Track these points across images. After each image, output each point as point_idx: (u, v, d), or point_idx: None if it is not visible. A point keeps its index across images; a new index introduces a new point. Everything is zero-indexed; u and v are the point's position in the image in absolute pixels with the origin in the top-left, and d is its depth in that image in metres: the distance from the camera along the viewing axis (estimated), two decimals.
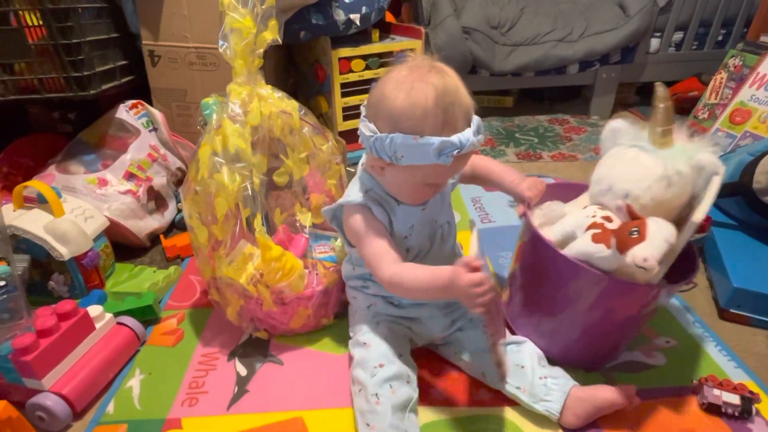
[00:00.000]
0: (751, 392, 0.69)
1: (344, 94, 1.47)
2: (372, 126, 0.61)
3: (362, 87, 1.47)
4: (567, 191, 0.81)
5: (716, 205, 0.98)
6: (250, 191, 0.76)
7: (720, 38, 1.89)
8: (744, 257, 0.92)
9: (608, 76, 1.87)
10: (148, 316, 0.88)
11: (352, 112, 1.49)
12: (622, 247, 0.59)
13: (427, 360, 0.77)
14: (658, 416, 0.69)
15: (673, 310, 0.90)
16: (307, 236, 0.89)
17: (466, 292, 0.56)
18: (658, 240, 0.59)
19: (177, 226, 1.20)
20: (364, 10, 1.39)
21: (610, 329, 0.72)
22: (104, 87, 1.13)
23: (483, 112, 1.98)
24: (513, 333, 0.78)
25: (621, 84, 1.91)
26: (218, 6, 0.75)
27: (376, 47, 1.48)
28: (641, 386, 0.69)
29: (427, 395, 0.72)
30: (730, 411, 0.68)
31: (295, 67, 1.76)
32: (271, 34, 0.78)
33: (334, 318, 0.87)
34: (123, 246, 1.09)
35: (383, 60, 1.48)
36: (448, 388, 0.74)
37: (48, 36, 1.01)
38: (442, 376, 0.76)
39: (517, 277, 0.80)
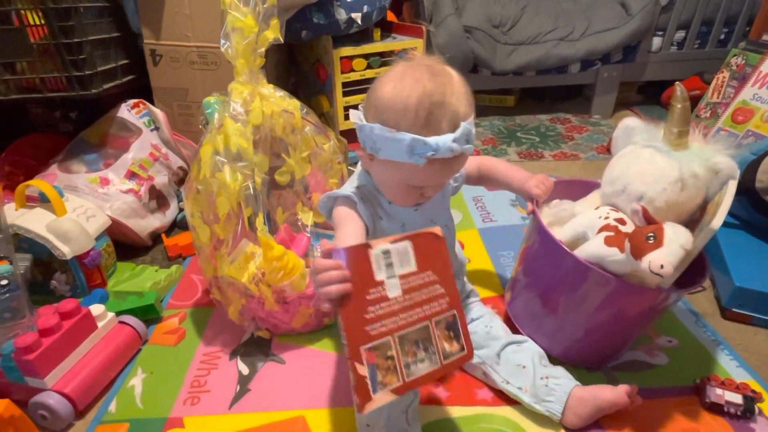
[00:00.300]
0: (753, 391, 0.69)
1: (346, 93, 1.47)
2: (361, 114, 0.60)
3: (363, 86, 1.47)
4: (574, 188, 0.80)
5: None
6: (251, 190, 0.76)
7: (722, 37, 1.88)
8: (746, 256, 0.92)
9: (610, 75, 1.86)
10: (149, 315, 0.88)
11: None
12: (638, 253, 0.58)
13: None
14: (660, 416, 0.69)
15: (676, 310, 0.90)
16: (309, 235, 0.90)
17: (312, 279, 0.48)
18: (674, 246, 0.58)
19: (179, 225, 1.20)
20: (365, 9, 1.39)
21: (616, 331, 0.72)
22: (106, 86, 1.14)
23: (484, 112, 2.00)
24: (515, 332, 0.77)
25: (622, 83, 1.91)
26: (220, 5, 0.75)
27: (377, 46, 1.48)
28: (643, 386, 0.69)
29: (429, 395, 0.72)
30: (732, 410, 0.68)
31: (296, 67, 1.76)
32: (273, 33, 0.78)
33: (335, 317, 0.87)
34: (125, 245, 1.09)
35: (385, 59, 1.48)
36: (449, 388, 0.74)
37: (50, 35, 1.01)
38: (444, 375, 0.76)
39: (522, 275, 0.80)
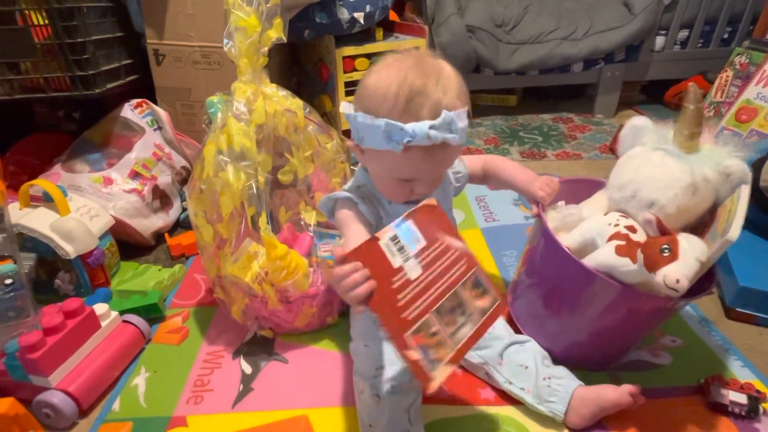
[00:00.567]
0: (758, 391, 0.69)
1: (348, 93, 1.47)
2: (351, 106, 0.60)
3: None
4: (578, 187, 0.78)
5: None
6: (255, 190, 0.76)
7: (726, 36, 1.87)
8: (750, 256, 0.91)
9: (613, 74, 1.86)
10: (153, 314, 0.88)
11: None
12: (652, 265, 0.57)
13: None
14: (664, 416, 0.69)
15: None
16: (312, 235, 0.89)
17: (337, 289, 0.48)
18: (689, 259, 0.56)
19: (182, 224, 1.20)
20: (368, 8, 1.39)
21: (620, 335, 0.71)
22: (109, 86, 1.14)
23: (487, 111, 2.00)
24: (517, 332, 0.77)
25: (625, 82, 1.90)
26: (223, 5, 0.75)
27: (380, 46, 1.48)
28: (647, 386, 0.69)
29: (431, 395, 0.72)
30: (736, 410, 0.67)
31: (299, 66, 1.76)
32: (276, 33, 0.77)
33: (338, 317, 0.87)
34: (128, 244, 1.09)
35: None
36: (452, 388, 0.74)
37: (53, 35, 1.01)
38: None
39: (525, 276, 0.79)
